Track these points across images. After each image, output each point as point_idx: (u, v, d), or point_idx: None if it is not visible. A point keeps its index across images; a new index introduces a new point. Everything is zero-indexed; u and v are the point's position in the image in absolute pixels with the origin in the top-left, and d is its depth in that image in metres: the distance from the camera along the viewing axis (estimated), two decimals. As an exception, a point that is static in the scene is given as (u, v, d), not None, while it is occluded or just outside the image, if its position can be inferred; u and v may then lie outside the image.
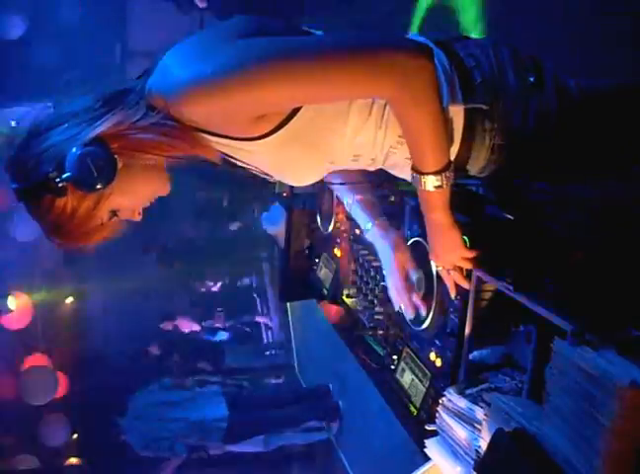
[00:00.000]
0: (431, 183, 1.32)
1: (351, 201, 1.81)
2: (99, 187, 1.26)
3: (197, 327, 8.22)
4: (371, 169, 1.55)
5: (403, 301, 1.70)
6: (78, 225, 1.31)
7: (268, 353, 7.64)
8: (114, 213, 1.36)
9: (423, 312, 1.67)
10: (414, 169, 1.34)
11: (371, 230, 1.80)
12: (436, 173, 1.31)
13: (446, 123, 1.32)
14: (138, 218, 1.42)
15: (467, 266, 1.47)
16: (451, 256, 1.46)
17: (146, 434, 5.36)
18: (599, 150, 1.49)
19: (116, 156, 1.26)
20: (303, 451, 6.58)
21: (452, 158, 1.37)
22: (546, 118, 1.43)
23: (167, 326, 8.17)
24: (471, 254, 1.44)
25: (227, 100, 1.20)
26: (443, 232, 1.42)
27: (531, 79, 1.43)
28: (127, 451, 5.41)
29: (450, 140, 1.38)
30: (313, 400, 5.44)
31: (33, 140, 1.29)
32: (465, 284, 1.48)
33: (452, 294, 1.55)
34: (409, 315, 1.71)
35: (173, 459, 5.47)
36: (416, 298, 1.68)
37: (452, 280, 1.53)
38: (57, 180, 1.24)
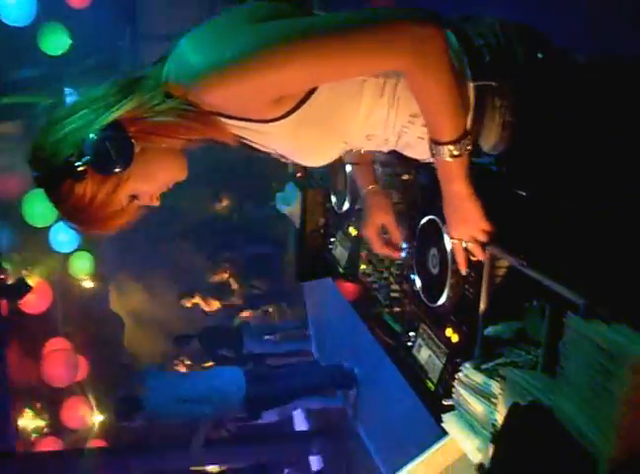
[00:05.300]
0: (449, 152, 1.33)
1: (350, 168, 1.97)
2: (117, 169, 1.29)
3: (217, 305, 8.20)
4: (385, 150, 1.56)
5: (376, 249, 1.96)
6: (97, 210, 1.33)
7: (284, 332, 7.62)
8: (133, 198, 1.38)
9: (399, 254, 1.94)
10: (432, 140, 1.35)
11: (362, 196, 1.96)
12: (454, 142, 1.32)
13: (461, 90, 1.32)
14: (157, 203, 1.43)
15: (486, 239, 1.46)
16: (470, 228, 1.46)
17: (164, 400, 5.17)
18: (610, 125, 1.49)
19: (133, 140, 1.29)
20: (321, 426, 6.64)
21: None
22: (556, 93, 1.43)
23: (186, 303, 8.18)
24: (491, 226, 1.44)
25: (247, 83, 1.21)
26: (463, 202, 1.42)
27: (540, 56, 1.44)
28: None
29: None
30: (330, 372, 5.44)
31: (51, 128, 1.32)
32: (482, 256, 1.48)
33: (463, 270, 1.56)
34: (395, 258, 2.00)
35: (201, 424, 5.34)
36: (387, 249, 1.94)
37: (464, 256, 1.54)
38: (77, 164, 1.27)
